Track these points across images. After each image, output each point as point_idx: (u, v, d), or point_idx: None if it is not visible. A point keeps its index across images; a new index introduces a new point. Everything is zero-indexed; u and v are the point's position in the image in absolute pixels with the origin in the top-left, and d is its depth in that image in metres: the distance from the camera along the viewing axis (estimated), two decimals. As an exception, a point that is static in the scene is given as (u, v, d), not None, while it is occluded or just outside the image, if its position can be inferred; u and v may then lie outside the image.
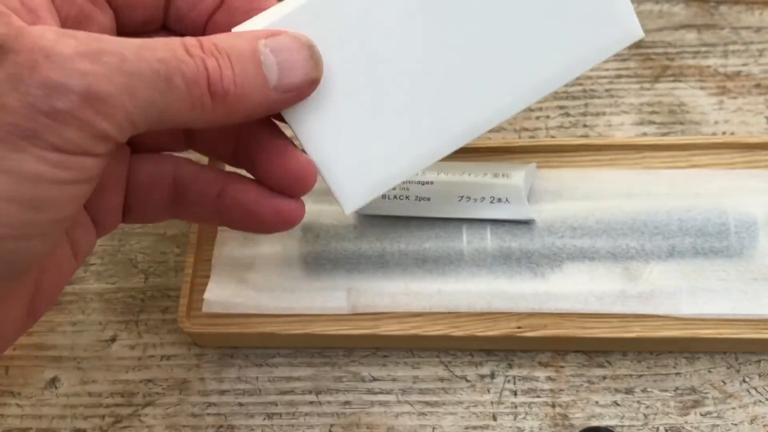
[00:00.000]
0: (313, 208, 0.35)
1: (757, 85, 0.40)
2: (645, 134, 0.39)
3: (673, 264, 0.33)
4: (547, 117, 0.40)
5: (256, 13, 0.24)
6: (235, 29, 0.24)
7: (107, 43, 0.20)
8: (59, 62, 0.19)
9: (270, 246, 0.35)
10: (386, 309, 0.33)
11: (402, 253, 0.34)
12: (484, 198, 0.34)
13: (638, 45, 0.42)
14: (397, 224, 0.35)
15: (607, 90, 0.41)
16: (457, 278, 0.34)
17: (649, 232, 0.34)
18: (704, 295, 0.32)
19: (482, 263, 0.34)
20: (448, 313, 0.33)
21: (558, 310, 0.33)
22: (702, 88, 0.40)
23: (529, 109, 0.40)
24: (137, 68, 0.20)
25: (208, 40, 0.21)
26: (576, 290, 0.33)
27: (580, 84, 0.41)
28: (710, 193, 0.34)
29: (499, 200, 0.34)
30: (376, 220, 0.35)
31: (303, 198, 0.26)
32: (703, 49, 0.41)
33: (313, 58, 0.24)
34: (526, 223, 0.34)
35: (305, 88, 0.24)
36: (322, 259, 0.34)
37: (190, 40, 0.21)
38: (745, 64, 0.41)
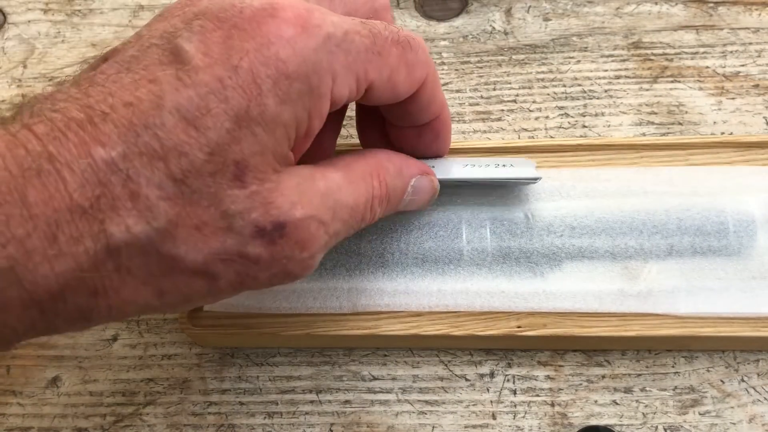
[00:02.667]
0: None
1: (756, 86, 0.40)
2: (644, 134, 0.39)
3: (671, 263, 0.33)
4: (546, 117, 0.40)
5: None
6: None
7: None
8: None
9: (270, 246, 0.35)
10: (386, 308, 0.34)
11: (402, 253, 0.34)
12: (488, 164, 0.33)
13: (637, 45, 0.42)
14: (397, 224, 0.35)
15: (606, 90, 0.41)
16: (457, 278, 0.34)
17: (647, 231, 0.34)
18: (703, 294, 0.33)
19: (482, 263, 0.34)
20: (448, 312, 0.33)
21: (557, 309, 0.33)
22: (700, 88, 0.40)
23: (529, 110, 0.40)
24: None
25: (385, 174, 0.29)
26: (575, 289, 0.33)
27: (579, 85, 0.41)
28: (708, 192, 0.34)
29: (504, 165, 0.33)
30: (376, 219, 0.35)
31: None
32: (702, 49, 0.41)
33: (429, 203, 0.32)
34: (526, 220, 0.34)
35: (410, 211, 0.33)
36: (322, 258, 0.34)
37: (378, 178, 0.29)
38: (743, 65, 0.41)
